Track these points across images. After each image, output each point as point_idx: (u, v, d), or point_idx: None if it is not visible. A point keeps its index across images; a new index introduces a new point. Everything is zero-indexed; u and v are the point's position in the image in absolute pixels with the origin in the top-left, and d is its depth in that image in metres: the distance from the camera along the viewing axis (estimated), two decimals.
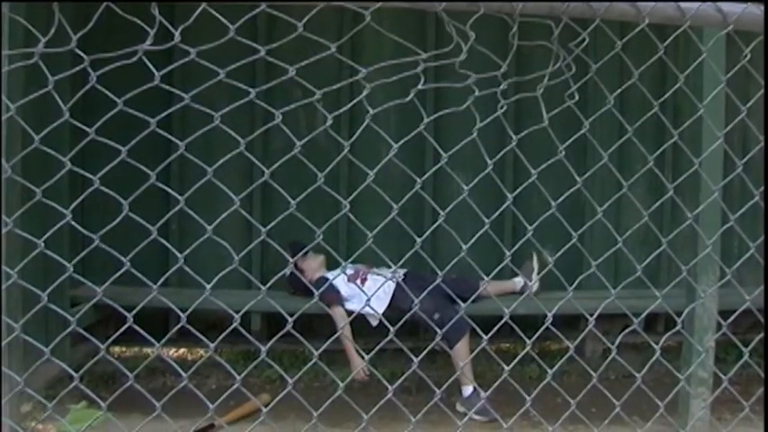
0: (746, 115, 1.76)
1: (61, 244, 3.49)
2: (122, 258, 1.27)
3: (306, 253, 4.04)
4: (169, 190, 1.82)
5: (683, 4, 1.41)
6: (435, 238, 4.36)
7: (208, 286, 1.34)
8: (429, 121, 1.51)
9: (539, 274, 4.18)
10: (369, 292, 3.74)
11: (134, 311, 1.39)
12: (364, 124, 1.42)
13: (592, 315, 1.76)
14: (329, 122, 1.43)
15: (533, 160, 1.56)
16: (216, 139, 2.04)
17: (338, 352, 3.93)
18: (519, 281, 4.21)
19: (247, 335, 1.55)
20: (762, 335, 2.33)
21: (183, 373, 1.40)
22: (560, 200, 1.59)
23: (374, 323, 3.88)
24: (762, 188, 1.81)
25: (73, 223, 1.30)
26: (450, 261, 1.84)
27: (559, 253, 1.79)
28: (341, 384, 1.48)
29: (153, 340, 1.43)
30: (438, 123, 4.25)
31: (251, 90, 1.35)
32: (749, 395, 2.06)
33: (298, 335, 1.55)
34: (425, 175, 2.24)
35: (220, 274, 1.48)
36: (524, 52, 2.56)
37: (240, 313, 1.43)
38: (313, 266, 4.15)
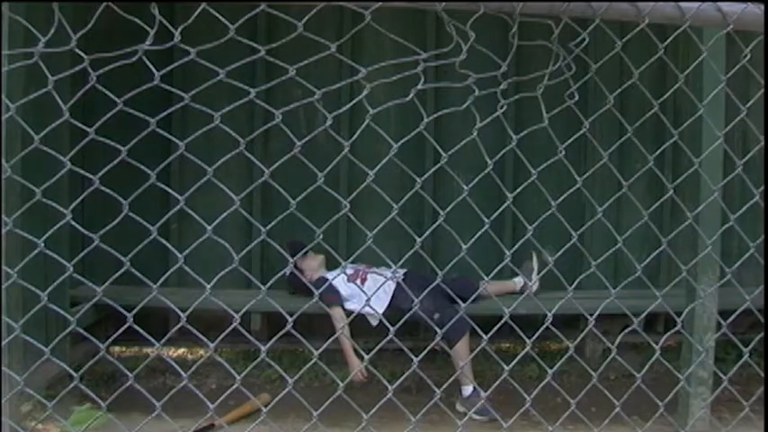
0: (746, 115, 1.76)
1: (61, 244, 3.48)
2: (122, 258, 1.27)
3: (306, 253, 4.04)
4: (169, 190, 1.82)
5: (683, 4, 1.41)
6: (435, 238, 4.35)
7: (208, 286, 1.34)
8: (429, 121, 1.51)
9: (539, 273, 4.18)
10: (369, 291, 3.73)
11: (134, 311, 1.39)
12: (364, 124, 1.42)
13: (592, 315, 1.76)
14: (329, 122, 1.43)
15: (533, 160, 1.56)
16: (216, 139, 2.04)
17: (338, 351, 3.92)
18: (519, 281, 4.21)
19: (247, 335, 1.55)
20: (762, 335, 2.33)
21: (183, 373, 1.40)
22: (560, 200, 1.59)
23: (374, 323, 3.87)
24: (762, 188, 1.81)
25: (73, 223, 1.30)
26: (450, 261, 1.83)
27: (559, 253, 1.80)
28: (341, 384, 1.48)
29: (153, 340, 1.42)
30: (438, 123, 4.25)
31: (251, 90, 1.35)
32: (749, 395, 2.06)
33: (298, 335, 1.56)
34: (425, 175, 2.23)
35: (220, 274, 1.48)
36: (524, 52, 2.55)
37: (240, 313, 1.43)
38: (313, 266, 4.14)
